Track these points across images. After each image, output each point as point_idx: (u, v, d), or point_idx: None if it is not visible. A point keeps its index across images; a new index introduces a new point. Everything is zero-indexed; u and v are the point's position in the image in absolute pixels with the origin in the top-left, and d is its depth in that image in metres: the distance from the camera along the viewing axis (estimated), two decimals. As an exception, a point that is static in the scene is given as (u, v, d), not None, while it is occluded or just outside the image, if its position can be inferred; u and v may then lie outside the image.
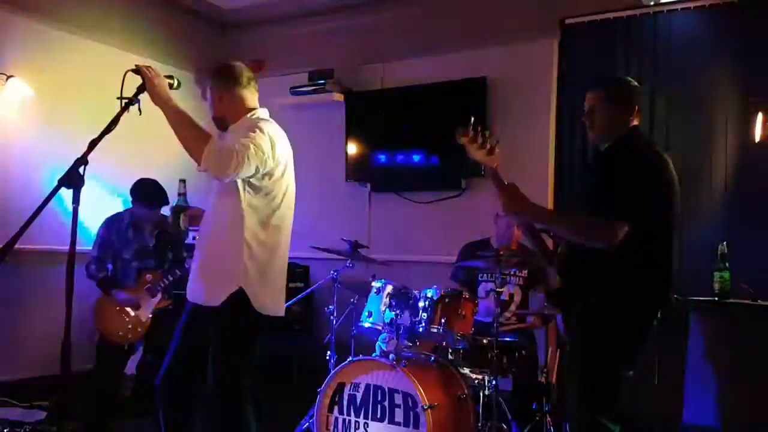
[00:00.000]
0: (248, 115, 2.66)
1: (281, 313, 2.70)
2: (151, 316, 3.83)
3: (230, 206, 2.54)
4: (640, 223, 2.28)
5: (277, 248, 2.65)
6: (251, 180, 2.50)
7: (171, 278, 3.83)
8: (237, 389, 2.57)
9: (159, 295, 3.83)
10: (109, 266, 3.90)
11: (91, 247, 3.91)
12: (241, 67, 2.74)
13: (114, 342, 3.78)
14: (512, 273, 3.91)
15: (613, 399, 2.38)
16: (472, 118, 2.48)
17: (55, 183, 2.07)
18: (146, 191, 3.84)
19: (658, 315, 2.41)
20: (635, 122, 2.53)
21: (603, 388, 2.38)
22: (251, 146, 2.42)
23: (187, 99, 5.49)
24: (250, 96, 2.71)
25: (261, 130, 2.50)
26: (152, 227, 3.91)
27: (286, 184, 2.64)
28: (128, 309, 3.78)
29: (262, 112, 2.72)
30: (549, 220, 2.55)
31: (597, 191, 2.47)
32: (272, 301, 2.64)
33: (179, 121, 2.45)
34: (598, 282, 2.38)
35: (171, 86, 2.61)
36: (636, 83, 2.64)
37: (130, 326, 3.77)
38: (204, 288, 2.58)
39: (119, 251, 3.85)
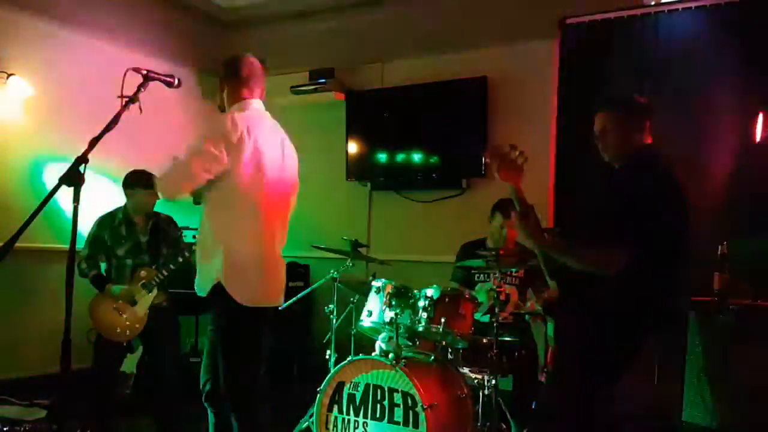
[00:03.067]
0: (232, 107, 2.70)
1: (275, 302, 2.72)
2: (147, 312, 3.83)
3: (205, 201, 2.64)
4: (644, 250, 2.27)
5: (260, 238, 2.65)
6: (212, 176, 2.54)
7: (166, 273, 3.82)
8: (240, 386, 2.60)
9: (155, 291, 3.83)
10: (102, 265, 3.89)
11: (82, 246, 3.90)
12: (245, 61, 2.78)
13: (111, 340, 3.78)
14: (509, 273, 3.91)
15: (590, 410, 2.39)
16: (509, 145, 2.47)
17: (56, 181, 2.07)
18: (139, 177, 3.85)
19: (651, 332, 2.41)
20: (649, 140, 2.51)
21: (587, 402, 2.39)
22: (186, 164, 2.50)
23: (188, 98, 5.54)
24: (247, 90, 2.74)
25: (212, 131, 2.55)
26: (145, 223, 3.91)
27: (262, 172, 2.61)
28: (124, 306, 3.78)
29: (247, 104, 2.71)
30: (554, 251, 2.51)
31: (607, 212, 2.45)
32: (261, 291, 2.65)
33: None
34: (595, 299, 2.37)
35: (171, 85, 2.61)
36: (645, 100, 2.62)
37: (127, 323, 3.76)
38: (197, 279, 2.68)
39: (113, 249, 3.85)
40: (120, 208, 3.91)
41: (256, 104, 2.76)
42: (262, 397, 2.66)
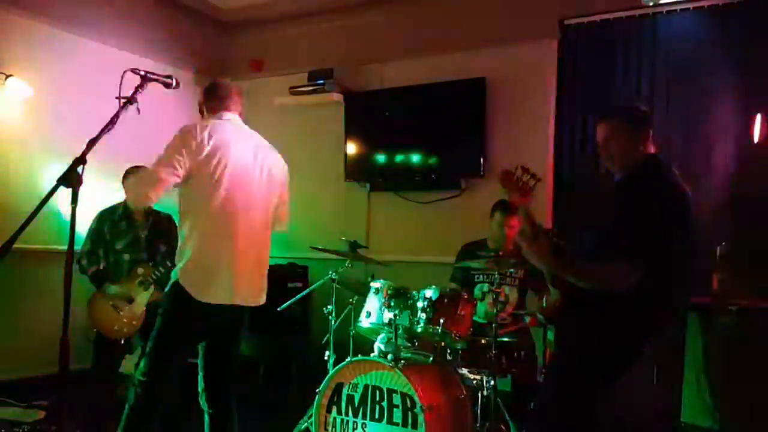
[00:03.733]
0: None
1: (236, 301, 2.70)
2: (145, 309, 3.82)
3: (178, 206, 2.74)
4: (652, 264, 2.26)
5: (230, 236, 2.67)
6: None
7: (163, 271, 3.82)
8: (161, 373, 2.65)
9: (152, 289, 3.82)
10: (102, 262, 3.89)
11: (83, 241, 3.90)
12: (222, 84, 2.91)
13: (110, 337, 3.78)
14: (509, 274, 3.91)
15: (587, 414, 2.39)
16: (521, 167, 2.50)
17: (54, 182, 2.07)
18: (136, 171, 3.84)
19: (649, 341, 2.41)
20: (651, 149, 2.50)
21: (576, 403, 2.39)
22: (151, 171, 2.58)
23: (186, 99, 5.52)
24: (224, 109, 2.81)
25: (175, 137, 2.61)
26: (145, 219, 3.90)
27: (224, 178, 2.64)
28: (122, 303, 3.77)
29: (218, 115, 2.79)
30: (562, 270, 2.49)
31: (613, 225, 2.44)
32: (221, 289, 2.66)
33: None
34: (595, 306, 2.37)
35: (170, 86, 2.62)
36: (646, 108, 2.62)
37: (125, 320, 3.76)
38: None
39: (111, 243, 3.85)
40: (120, 203, 3.91)
41: (228, 115, 2.81)
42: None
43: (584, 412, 2.39)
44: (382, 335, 3.52)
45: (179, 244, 2.69)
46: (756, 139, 3.99)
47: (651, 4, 4.29)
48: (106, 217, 3.88)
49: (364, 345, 3.66)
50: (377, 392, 3.19)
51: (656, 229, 2.29)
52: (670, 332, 2.46)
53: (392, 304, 3.36)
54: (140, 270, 3.81)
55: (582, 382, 2.38)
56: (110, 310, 3.78)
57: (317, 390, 3.33)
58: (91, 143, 2.18)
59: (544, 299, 2.64)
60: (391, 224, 5.26)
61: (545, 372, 2.79)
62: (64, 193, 2.08)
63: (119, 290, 3.77)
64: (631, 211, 2.35)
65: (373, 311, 3.44)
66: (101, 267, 3.86)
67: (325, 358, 3.69)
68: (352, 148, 5.39)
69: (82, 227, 3.93)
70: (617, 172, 2.57)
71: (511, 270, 3.88)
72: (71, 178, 2.07)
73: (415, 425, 3.06)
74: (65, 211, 2.09)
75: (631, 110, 2.64)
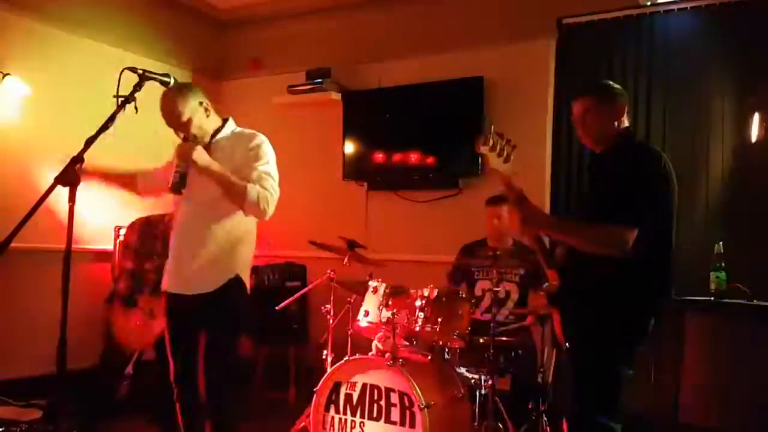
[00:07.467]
0: None
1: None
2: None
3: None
4: (645, 226, 2.28)
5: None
6: None
7: None
8: None
9: None
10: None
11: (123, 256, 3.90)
12: None
13: (123, 348, 3.78)
14: (509, 271, 3.91)
15: (614, 398, 2.38)
16: (492, 127, 2.51)
17: (52, 181, 2.07)
18: None
19: (657, 314, 2.41)
20: (626, 123, 2.56)
21: (603, 386, 2.38)
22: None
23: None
24: None
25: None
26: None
27: None
28: (144, 318, 3.76)
29: None
30: (563, 234, 2.51)
31: (598, 196, 2.47)
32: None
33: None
34: (596, 281, 2.38)
35: (167, 84, 2.61)
36: (618, 86, 2.67)
37: (143, 335, 3.75)
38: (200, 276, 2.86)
39: (149, 258, 3.86)
40: (165, 215, 3.89)
41: None
42: None
43: (603, 390, 2.38)
44: (380, 334, 3.52)
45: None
46: (753, 138, 3.99)
47: (649, 3, 4.29)
48: (147, 231, 3.88)
49: (362, 344, 3.66)
50: (375, 391, 3.19)
51: (641, 190, 2.32)
52: (670, 302, 2.44)
53: (390, 302, 3.36)
54: None
55: (593, 361, 2.38)
56: (131, 324, 3.77)
57: (315, 389, 3.33)
58: (89, 142, 2.19)
59: (546, 285, 2.64)
60: (389, 223, 5.26)
61: (568, 358, 2.78)
62: (62, 192, 2.08)
63: (144, 305, 3.77)
64: (615, 178, 2.38)
65: (371, 310, 3.44)
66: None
67: (323, 356, 3.69)
68: (350, 147, 5.39)
69: (80, 226, 3.92)
70: (593, 147, 2.62)
71: (511, 268, 3.89)
72: (69, 177, 2.07)
73: (413, 424, 3.06)
74: (63, 209, 2.08)
75: (604, 87, 2.69)
